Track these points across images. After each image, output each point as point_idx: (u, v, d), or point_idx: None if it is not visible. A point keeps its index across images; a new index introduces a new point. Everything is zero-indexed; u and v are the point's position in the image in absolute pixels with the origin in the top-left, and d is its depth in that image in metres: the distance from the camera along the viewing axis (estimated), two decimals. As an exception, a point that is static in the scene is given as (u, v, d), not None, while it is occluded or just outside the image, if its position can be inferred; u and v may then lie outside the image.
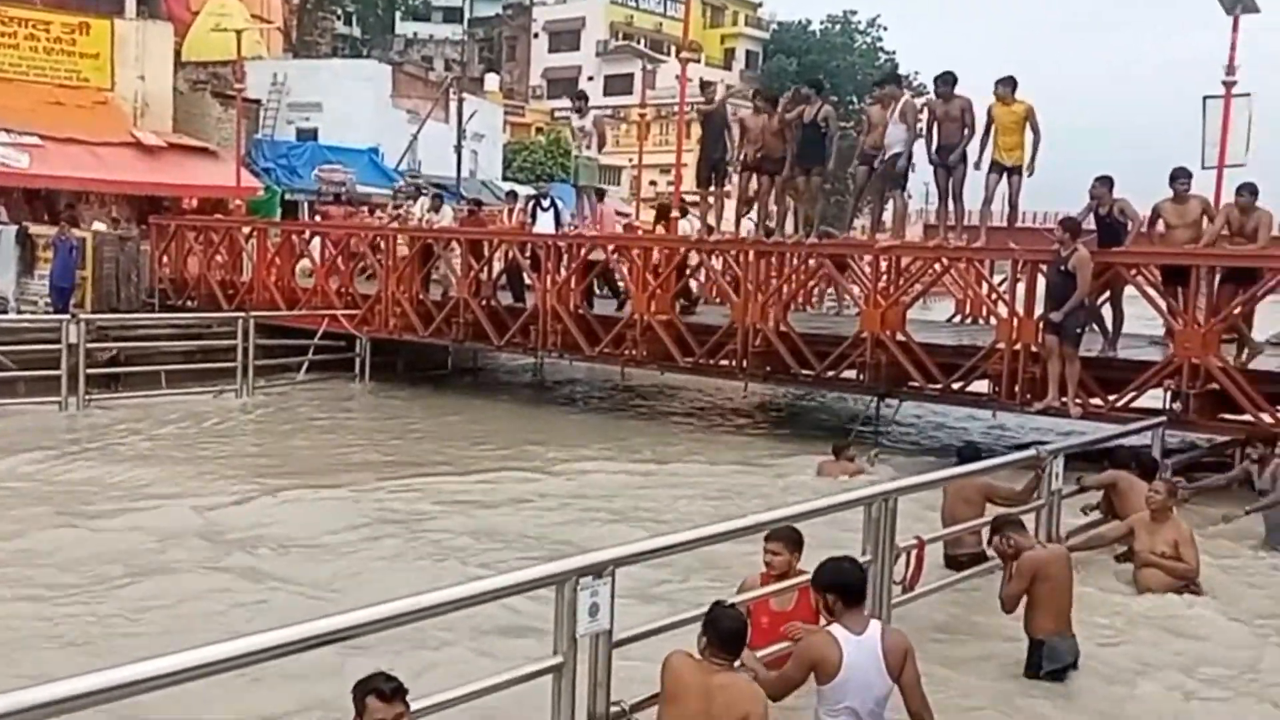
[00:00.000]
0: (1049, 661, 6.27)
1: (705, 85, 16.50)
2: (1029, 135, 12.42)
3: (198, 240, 20.43)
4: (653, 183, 45.07)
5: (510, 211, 20.43)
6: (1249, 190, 11.27)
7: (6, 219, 20.47)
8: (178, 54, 29.64)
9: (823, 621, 5.34)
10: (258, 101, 32.27)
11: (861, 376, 13.02)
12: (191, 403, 15.32)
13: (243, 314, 17.04)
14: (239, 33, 23.52)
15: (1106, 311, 12.58)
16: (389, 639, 4.30)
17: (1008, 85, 12.33)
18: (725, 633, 4.70)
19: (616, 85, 58.54)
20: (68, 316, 15.57)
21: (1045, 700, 6.12)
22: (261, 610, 7.13)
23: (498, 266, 17.01)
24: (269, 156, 31.49)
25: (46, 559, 8.23)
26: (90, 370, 14.93)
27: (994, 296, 13.61)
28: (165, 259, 20.74)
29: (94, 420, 14.18)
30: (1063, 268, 11.10)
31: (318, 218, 28.33)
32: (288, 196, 30.69)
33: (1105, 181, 11.73)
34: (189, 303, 19.82)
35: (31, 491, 10.37)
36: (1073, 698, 6.18)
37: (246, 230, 20.17)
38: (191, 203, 25.87)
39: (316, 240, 19.71)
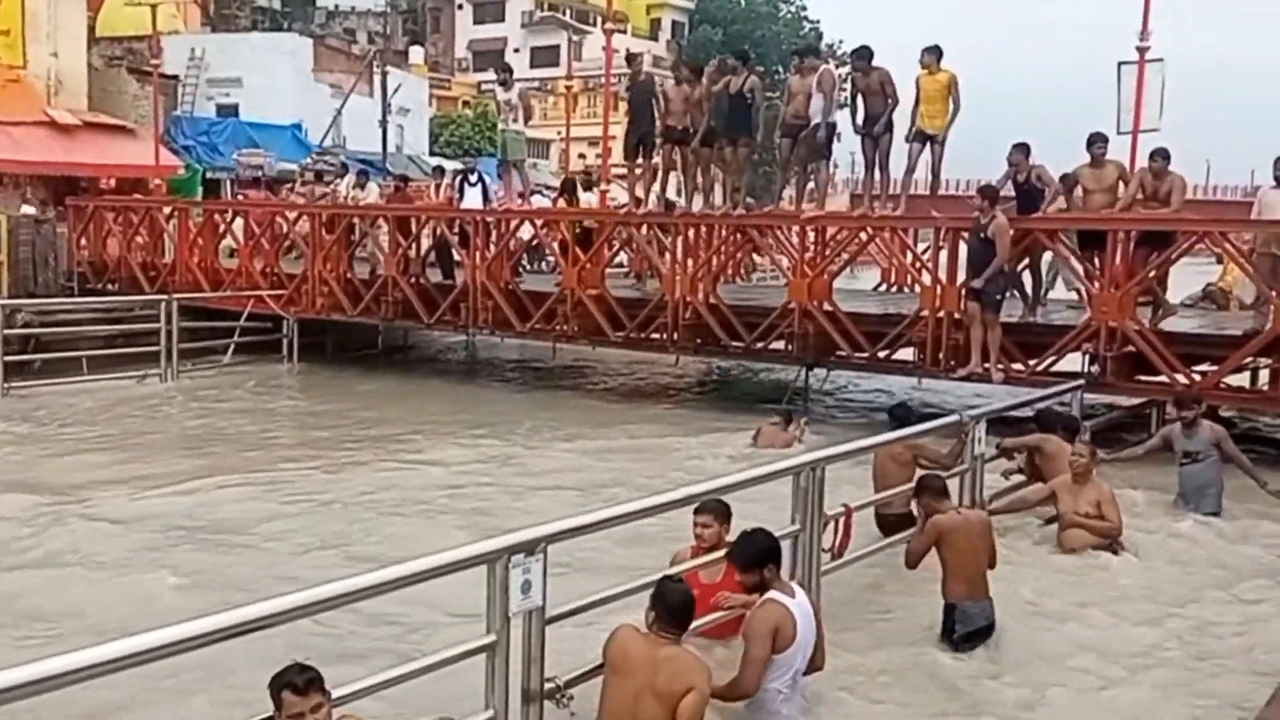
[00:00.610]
0: (961, 625, 6.41)
1: (631, 57, 16.47)
2: (951, 104, 12.62)
3: (117, 221, 19.97)
4: (581, 155, 44.82)
5: (437, 187, 20.20)
6: (1161, 155, 11.57)
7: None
8: (92, 29, 28.85)
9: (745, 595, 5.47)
10: (175, 78, 31.55)
11: (790, 347, 13.15)
12: (115, 388, 15.06)
13: (165, 296, 16.74)
14: (154, 7, 22.89)
15: (1027, 277, 12.85)
16: (323, 623, 4.30)
17: (933, 54, 12.49)
18: (673, 606, 4.80)
19: (543, 57, 57.98)
20: (-18, 303, 15.20)
21: (956, 663, 6.27)
22: (190, 599, 7.05)
23: (426, 243, 16.88)
24: (189, 134, 30.85)
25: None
26: (8, 358, 14.60)
27: (917, 265, 13.81)
28: (84, 241, 20.26)
29: (13, 408, 13.87)
30: (982, 235, 11.31)
31: (240, 196, 27.82)
32: (209, 175, 30.12)
33: (1022, 148, 11.97)
34: (109, 286, 19.40)
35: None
36: (983, 660, 6.33)
37: (167, 210, 19.76)
38: (110, 183, 25.29)
39: (240, 220, 19.36)
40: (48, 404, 14.08)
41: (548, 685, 4.82)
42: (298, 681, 3.78)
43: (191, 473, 10.61)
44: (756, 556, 5.26)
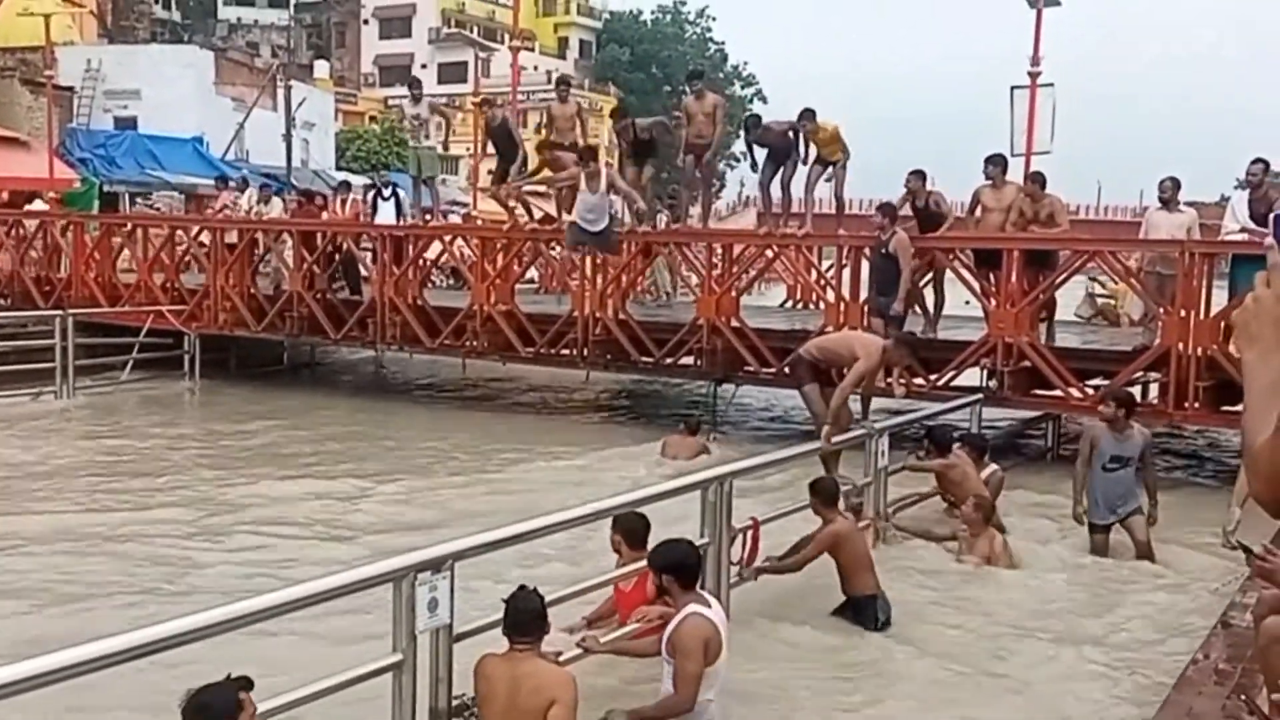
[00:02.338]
0: (882, 612, 6.94)
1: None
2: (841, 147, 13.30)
3: (9, 235, 19.36)
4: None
5: (342, 202, 19.97)
6: (1034, 179, 12.25)
7: None
8: (-18, 38, 27.98)
9: (656, 602, 5.54)
10: (71, 89, 30.78)
11: (699, 362, 13.28)
12: (6, 405, 14.56)
13: (60, 312, 16.26)
14: (48, 16, 22.33)
15: (928, 294, 13.16)
16: (229, 643, 4.23)
17: (809, 117, 13.11)
18: (514, 615, 4.74)
19: (450, 73, 57.67)
20: None
21: (869, 647, 6.73)
22: (85, 618, 6.87)
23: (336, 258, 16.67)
24: (85, 146, 30.09)
25: None
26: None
27: (821, 282, 14.05)
28: (-28, 256, 19.58)
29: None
30: (884, 250, 11.55)
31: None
32: (107, 188, 29.36)
33: (919, 175, 12.30)
34: (1, 300, 18.78)
35: None
36: (888, 644, 6.80)
37: (62, 224, 19.21)
38: (2, 196, 24.49)
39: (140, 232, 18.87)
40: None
41: (455, 703, 4.81)
42: (247, 681, 3.79)
43: (84, 491, 10.32)
44: (657, 563, 5.32)
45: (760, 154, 13.63)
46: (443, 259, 16.74)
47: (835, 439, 8.49)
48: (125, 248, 18.34)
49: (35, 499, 10.17)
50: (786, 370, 8.54)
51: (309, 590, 4.45)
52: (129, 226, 18.89)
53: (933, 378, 12.01)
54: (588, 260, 13.92)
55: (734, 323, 12.99)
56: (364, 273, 16.36)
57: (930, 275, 12.84)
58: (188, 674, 4.15)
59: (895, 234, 11.46)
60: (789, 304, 17.58)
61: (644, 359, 13.69)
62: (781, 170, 13.40)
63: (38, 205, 19.56)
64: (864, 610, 6.95)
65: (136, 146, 30.84)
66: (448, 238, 16.77)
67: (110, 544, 8.67)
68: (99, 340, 16.61)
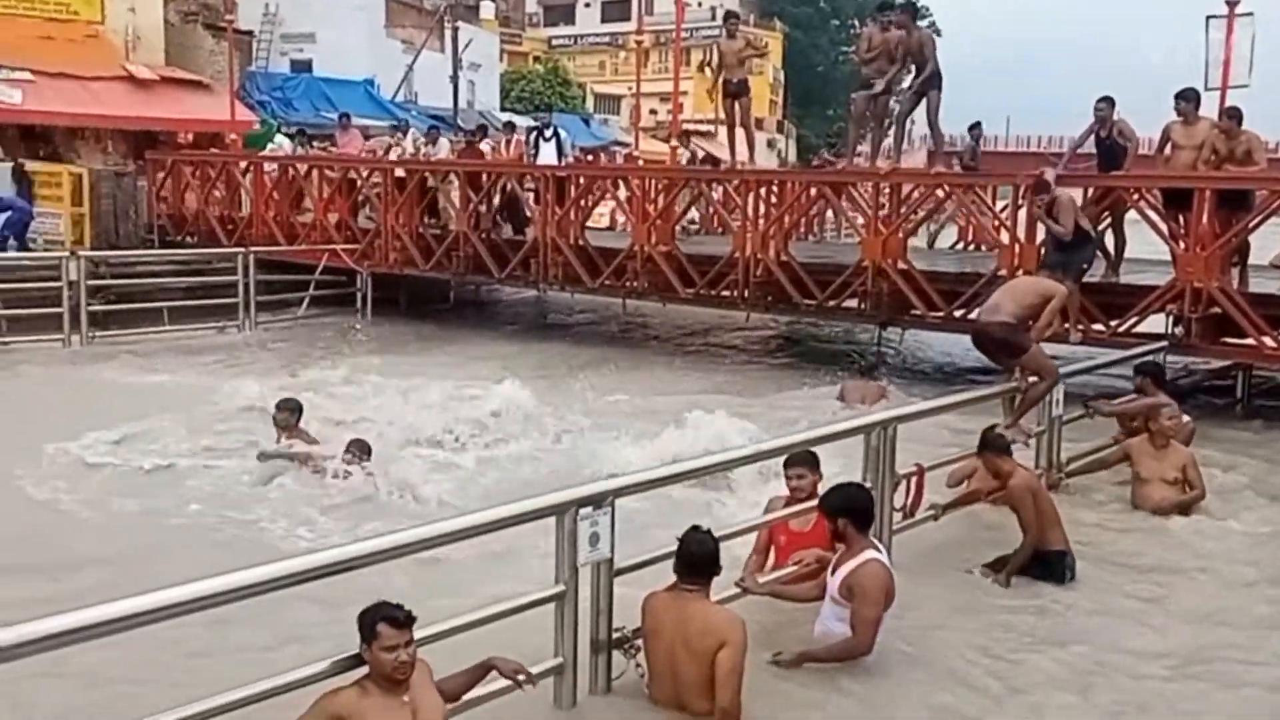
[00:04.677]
0: (1069, 571, 6.58)
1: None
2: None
3: (195, 175, 20.29)
4: (653, 111, 44.62)
5: (507, 142, 20.20)
6: (1229, 114, 11.32)
7: (2, 155, 20.34)
8: (167, -15, 29.16)
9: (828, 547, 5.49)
10: (250, 33, 31.83)
11: (863, 305, 12.99)
12: (194, 338, 15.35)
13: (242, 249, 17.01)
14: (229, -38, 23.14)
15: (1109, 237, 12.52)
16: (398, 567, 4.34)
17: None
18: (688, 558, 4.75)
19: (613, 11, 57.57)
20: (67, 254, 15.56)
21: (1043, 603, 6.34)
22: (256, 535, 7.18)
23: (497, 199, 16.91)
24: (263, 89, 31.14)
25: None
26: (92, 308, 14.95)
27: (996, 223, 13.52)
28: (163, 195, 20.61)
29: (99, 353, 14.20)
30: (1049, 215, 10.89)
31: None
32: (283, 130, 30.42)
33: (1108, 101, 11.65)
34: (188, 239, 19.73)
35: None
36: (1073, 602, 6.39)
37: (243, 165, 20.02)
38: (187, 137, 25.65)
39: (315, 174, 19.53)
40: (131, 352, 14.33)
41: (616, 635, 4.85)
42: (398, 615, 3.84)
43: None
44: (833, 507, 5.26)
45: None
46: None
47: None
48: (301, 188, 19.01)
49: (220, 423, 10.62)
50: (1005, 345, 7.97)
51: (475, 520, 4.54)
52: (304, 168, 19.57)
53: (1113, 324, 11.45)
54: (749, 200, 13.73)
55: (900, 264, 12.63)
56: (527, 213, 16.54)
57: (1109, 218, 12.20)
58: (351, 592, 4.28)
59: (1056, 198, 10.80)
60: (960, 246, 17.03)
61: (806, 301, 13.46)
62: (926, 101, 12.89)
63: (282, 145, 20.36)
64: (1053, 565, 6.59)
65: (312, 89, 31.80)
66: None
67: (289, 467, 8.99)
68: (278, 277, 17.34)
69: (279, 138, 19.97)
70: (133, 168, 21.53)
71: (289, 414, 9.05)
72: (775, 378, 13.95)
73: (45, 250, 17.48)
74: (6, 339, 14.26)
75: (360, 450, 8.65)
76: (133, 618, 3.43)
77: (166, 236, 20.04)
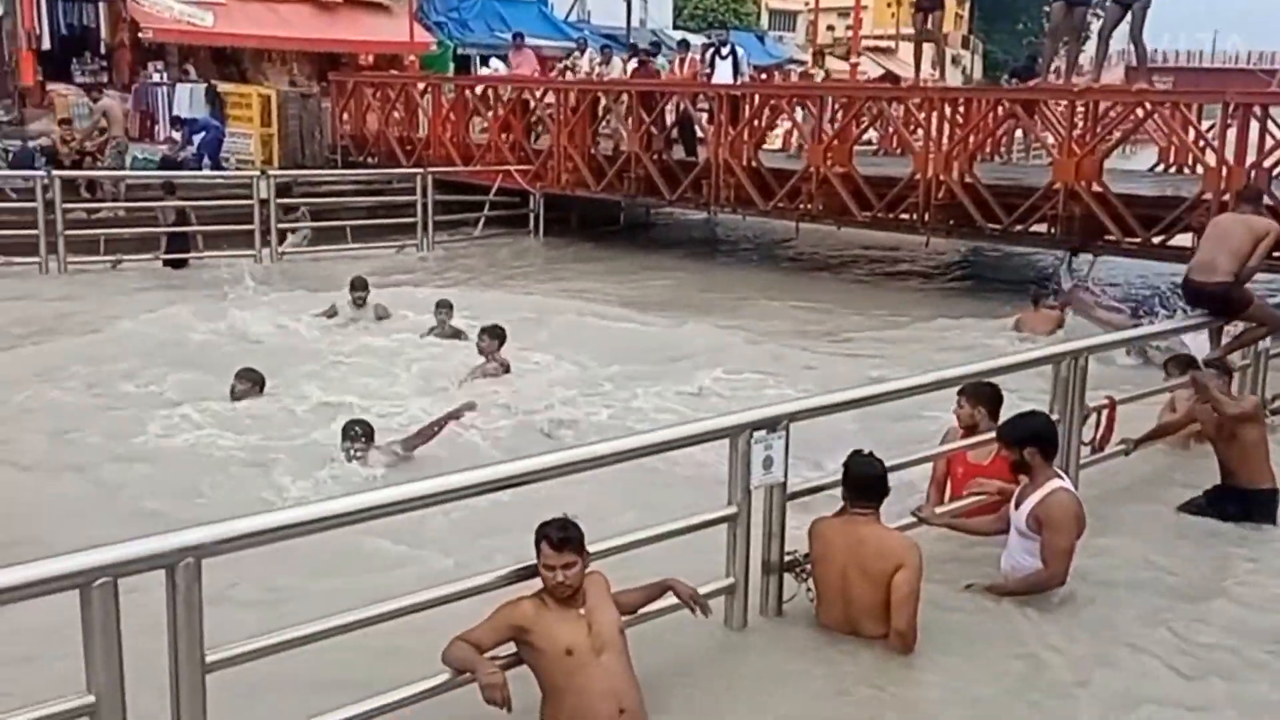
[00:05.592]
0: (1256, 511, 6.13)
1: None
2: None
3: (375, 97, 20.75)
4: (830, 27, 43.40)
5: (681, 61, 19.93)
6: None
7: (195, 77, 21.23)
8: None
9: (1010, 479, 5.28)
10: (428, -46, 32.18)
11: (1053, 230, 12.40)
12: (377, 256, 15.80)
13: (420, 170, 17.37)
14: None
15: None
16: (573, 482, 4.37)
17: None
18: (855, 480, 4.69)
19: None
20: (258, 173, 16.18)
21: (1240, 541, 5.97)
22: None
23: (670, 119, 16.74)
24: (440, 10, 31.48)
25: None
26: (282, 225, 15.56)
27: (1201, 144, 12.65)
28: (345, 116, 21.16)
29: (288, 270, 14.75)
30: None
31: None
32: (459, 51, 30.80)
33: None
34: (369, 159, 20.24)
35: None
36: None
37: (421, 86, 20.36)
38: (368, 59, 26.23)
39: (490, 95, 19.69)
40: (318, 269, 14.76)
41: (788, 558, 4.81)
42: (554, 536, 3.87)
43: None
44: (1018, 436, 5.05)
45: None
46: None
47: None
48: (477, 110, 19.22)
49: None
50: (1226, 304, 7.48)
51: (650, 440, 4.55)
52: (480, 89, 19.75)
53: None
54: (932, 119, 13.20)
55: (1095, 187, 11.96)
56: (699, 134, 16.34)
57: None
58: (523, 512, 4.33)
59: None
60: (1159, 168, 16.04)
61: (991, 225, 12.92)
62: (1130, 16, 12.06)
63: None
64: (1261, 505, 6.15)
65: (486, 9, 32.00)
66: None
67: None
68: (454, 198, 17.66)
69: (614, 60, 19.40)
70: (317, 89, 22.16)
71: (493, 340, 9.26)
72: (951, 302, 13.49)
73: (237, 169, 18.25)
74: (202, 254, 14.96)
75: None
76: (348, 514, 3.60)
77: (349, 157, 20.60)
